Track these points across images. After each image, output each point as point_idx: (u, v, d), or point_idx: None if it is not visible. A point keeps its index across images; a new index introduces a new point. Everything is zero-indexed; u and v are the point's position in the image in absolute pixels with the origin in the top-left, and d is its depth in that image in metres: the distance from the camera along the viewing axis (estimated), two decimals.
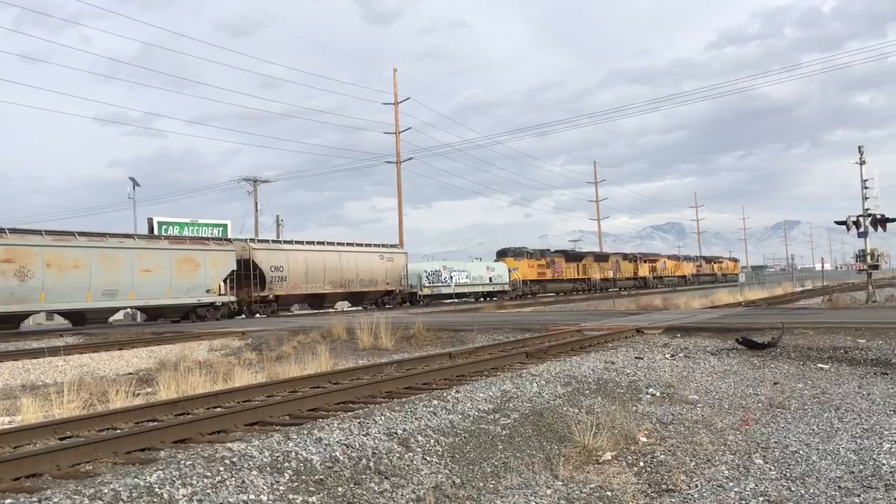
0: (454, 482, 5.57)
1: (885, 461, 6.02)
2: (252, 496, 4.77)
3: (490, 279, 48.06)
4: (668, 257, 78.05)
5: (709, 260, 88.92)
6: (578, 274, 58.25)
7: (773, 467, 6.05)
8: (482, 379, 9.76)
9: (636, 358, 12.10)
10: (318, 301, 37.00)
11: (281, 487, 4.98)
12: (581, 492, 5.53)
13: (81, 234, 26.90)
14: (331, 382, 10.41)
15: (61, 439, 6.88)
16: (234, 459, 5.28)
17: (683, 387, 9.81)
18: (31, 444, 6.73)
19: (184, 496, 4.63)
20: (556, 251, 59.60)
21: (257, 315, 32.82)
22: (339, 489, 5.15)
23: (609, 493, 5.50)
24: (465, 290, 45.63)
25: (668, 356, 12.53)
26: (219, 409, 8.36)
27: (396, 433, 6.35)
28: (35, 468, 5.54)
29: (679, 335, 15.27)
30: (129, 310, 31.63)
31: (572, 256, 60.01)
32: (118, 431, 7.07)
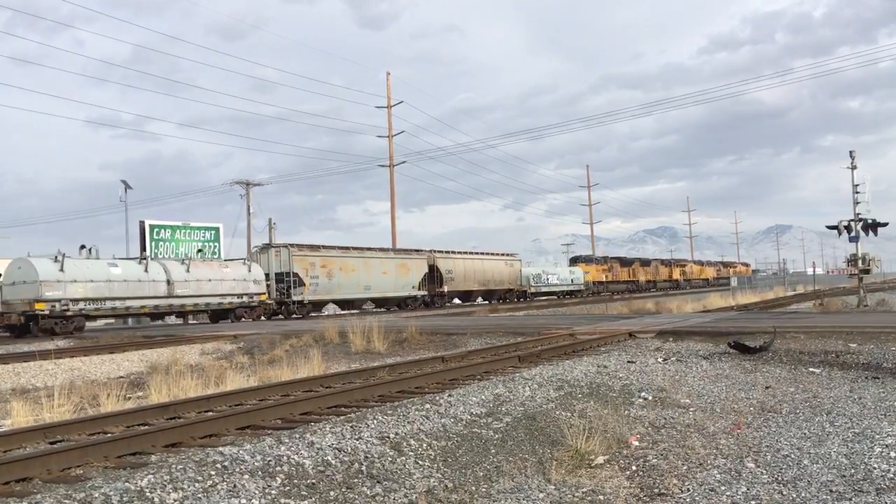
0: (446, 486, 5.56)
1: (876, 465, 6.03)
2: (244, 500, 4.75)
3: (571, 280, 61.16)
4: (694, 262, 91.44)
5: (726, 265, 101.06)
6: (629, 277, 70.98)
7: (764, 471, 6.06)
8: (475, 383, 9.76)
9: (629, 362, 12.12)
10: (467, 296, 48.49)
11: (273, 492, 4.97)
12: (573, 496, 5.52)
13: (354, 248, 40.56)
14: (323, 386, 10.39)
15: (52, 443, 6.85)
16: (226, 463, 5.26)
17: (676, 391, 9.83)
18: (22, 448, 6.70)
19: (175, 500, 4.60)
20: (613, 258, 73.03)
21: (437, 304, 44.27)
22: (331, 493, 5.13)
23: (601, 497, 5.50)
24: (556, 288, 58.80)
25: (660, 360, 12.55)
26: (210, 413, 8.33)
27: (389, 437, 6.34)
28: (25, 472, 5.51)
29: (671, 339, 15.30)
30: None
31: (625, 262, 73.43)
32: (109, 435, 7.04)
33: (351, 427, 6.54)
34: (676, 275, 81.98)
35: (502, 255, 54.61)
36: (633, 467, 6.34)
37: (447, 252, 47.92)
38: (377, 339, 17.03)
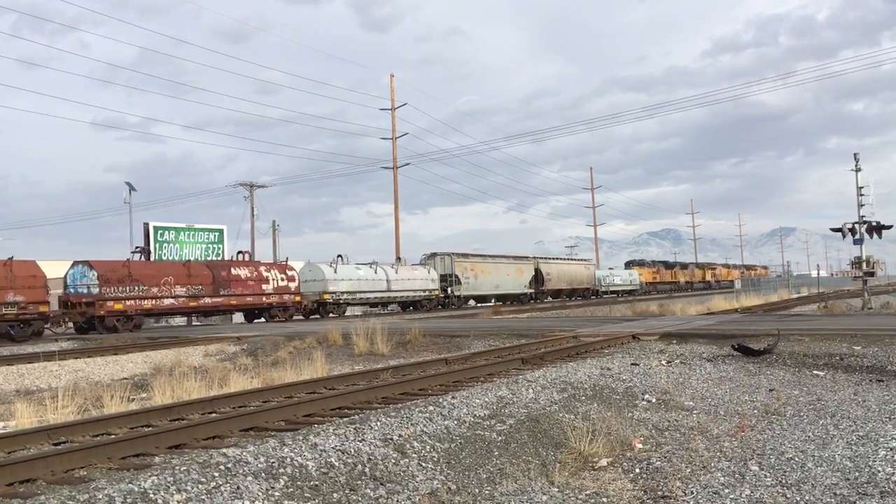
0: (450, 488, 5.56)
1: (880, 468, 6.02)
2: (247, 502, 4.76)
3: (630, 281, 71.89)
4: (722, 265, 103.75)
5: (748, 267, 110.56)
6: (671, 278, 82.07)
7: (768, 474, 6.05)
8: (478, 385, 9.76)
9: (632, 364, 12.11)
10: (558, 293, 58.60)
11: (276, 493, 4.97)
12: (577, 498, 5.52)
13: (489, 255, 52.59)
14: (326, 388, 10.39)
15: (55, 444, 6.86)
16: (229, 465, 5.27)
17: (679, 393, 9.81)
18: (25, 450, 6.71)
19: (178, 502, 4.61)
20: (659, 261, 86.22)
21: (539, 301, 53.93)
22: (335, 495, 5.13)
23: (605, 500, 5.49)
24: (619, 288, 69.10)
25: (664, 362, 12.54)
26: (214, 415, 8.34)
27: (392, 439, 6.34)
28: (29, 473, 5.52)
29: (675, 341, 15.27)
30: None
31: (668, 265, 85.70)
32: (113, 437, 7.05)
33: (354, 429, 6.54)
34: (708, 276, 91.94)
35: (581, 260, 70.58)
36: (637, 470, 6.33)
37: (546, 258, 61.83)
38: (380, 341, 17.04)
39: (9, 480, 5.38)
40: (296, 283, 35.40)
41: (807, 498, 5.40)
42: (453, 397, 8.33)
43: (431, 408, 7.65)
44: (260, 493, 4.91)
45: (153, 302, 29.00)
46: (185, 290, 30.03)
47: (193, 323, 35.53)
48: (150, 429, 7.46)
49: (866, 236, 29.08)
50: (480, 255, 52.01)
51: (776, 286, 61.12)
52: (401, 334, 18.46)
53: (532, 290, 54.11)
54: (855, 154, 29.76)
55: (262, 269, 34.42)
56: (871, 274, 30.95)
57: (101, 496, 4.53)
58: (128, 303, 28.02)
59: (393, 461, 5.88)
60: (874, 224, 28.89)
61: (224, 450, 5.79)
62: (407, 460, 5.96)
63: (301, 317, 35.67)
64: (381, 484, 5.44)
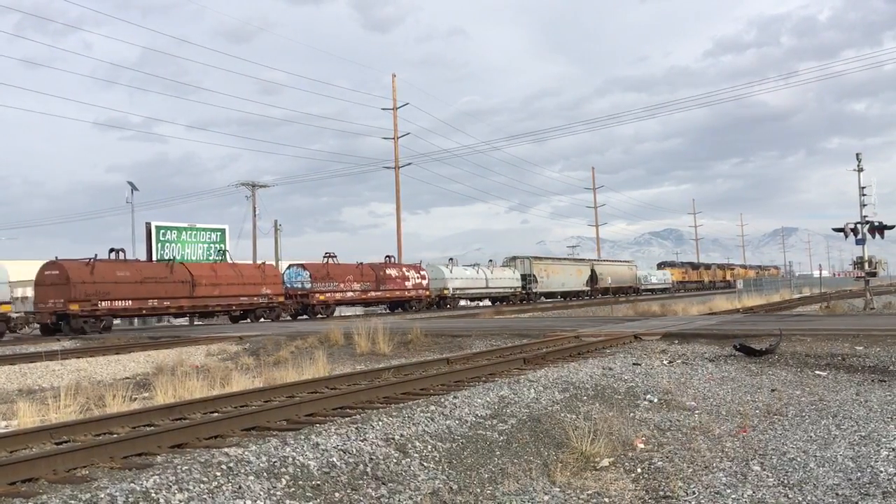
0: (451, 488, 5.56)
1: (882, 468, 6.01)
2: (249, 501, 4.76)
3: (664, 280, 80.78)
4: (740, 266, 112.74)
5: (762, 268, 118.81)
6: (697, 277, 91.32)
7: (770, 474, 6.04)
8: (480, 384, 9.75)
9: (634, 364, 12.10)
10: (607, 290, 62.44)
11: (278, 493, 4.97)
12: (578, 498, 5.52)
13: (556, 258, 65.65)
14: (328, 388, 10.39)
15: (57, 444, 6.87)
16: (231, 464, 5.27)
17: (681, 393, 9.81)
18: (28, 449, 6.72)
19: (180, 501, 4.61)
20: (686, 262, 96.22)
21: (593, 297, 62.09)
22: (336, 494, 5.14)
23: (606, 500, 5.49)
24: (656, 286, 77.87)
25: (665, 362, 12.53)
26: (216, 414, 8.35)
27: (394, 439, 6.34)
28: (31, 473, 5.53)
29: (677, 342, 15.26)
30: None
31: (694, 266, 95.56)
32: (115, 436, 7.06)
33: (356, 428, 6.54)
34: (728, 276, 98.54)
35: (625, 261, 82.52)
36: (639, 470, 6.33)
37: (598, 260, 72.14)
38: (382, 340, 17.04)
39: (11, 479, 5.38)
40: (426, 281, 45.00)
41: (809, 498, 5.39)
42: (455, 397, 8.33)
43: (433, 407, 7.65)
44: (262, 493, 4.91)
45: (341, 295, 38.81)
46: (359, 286, 40.13)
47: (195, 323, 35.62)
48: (152, 428, 7.46)
49: (868, 236, 29.03)
50: (550, 259, 64.90)
51: (778, 286, 61.21)
52: (402, 334, 18.46)
53: (588, 288, 63.54)
54: (857, 154, 29.73)
55: (404, 269, 44.28)
56: (874, 274, 30.91)
57: (103, 495, 4.53)
58: (327, 295, 37.85)
59: (395, 461, 5.88)
60: (876, 224, 28.84)
61: (226, 449, 5.79)
62: (408, 460, 5.96)
63: (424, 307, 44.02)
64: (383, 483, 5.44)
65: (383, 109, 51.52)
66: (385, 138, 51.11)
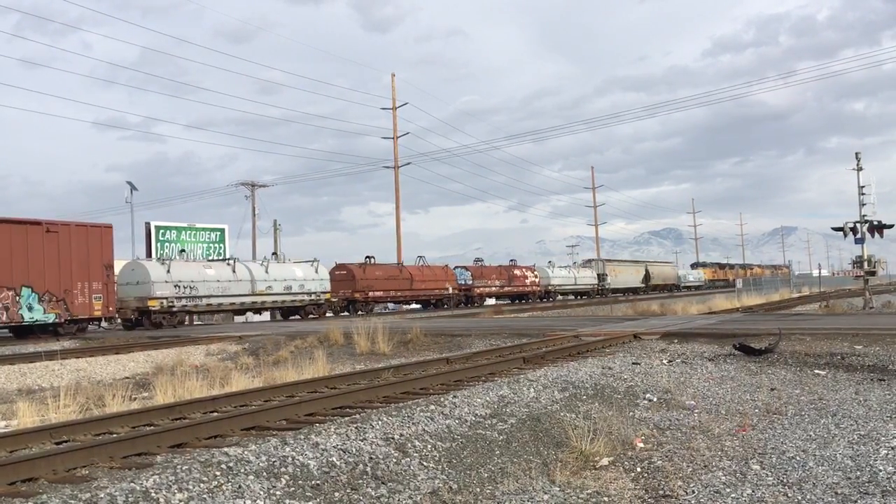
0: (451, 487, 5.56)
1: (881, 467, 6.02)
2: (249, 501, 4.76)
3: (698, 278, 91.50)
4: (758, 266, 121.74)
5: (776, 267, 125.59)
6: (724, 276, 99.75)
7: (769, 473, 6.05)
8: (479, 384, 9.76)
9: (633, 363, 12.10)
10: (655, 287, 75.30)
11: (277, 492, 4.98)
12: (578, 497, 5.52)
13: (621, 260, 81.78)
14: (328, 387, 10.40)
15: (57, 443, 6.87)
16: (231, 464, 5.27)
17: (680, 392, 9.81)
18: (27, 449, 6.72)
19: (180, 501, 4.62)
20: (715, 263, 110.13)
21: (647, 293, 70.75)
22: (336, 494, 5.14)
23: (606, 499, 5.50)
24: (692, 283, 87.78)
25: (665, 362, 12.54)
26: (215, 414, 8.35)
27: (393, 438, 6.34)
28: (31, 472, 5.53)
29: (676, 341, 15.27)
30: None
31: (721, 266, 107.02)
32: (114, 436, 7.06)
33: (356, 428, 6.54)
34: (748, 275, 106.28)
35: (667, 262, 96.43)
36: (638, 469, 6.33)
37: (651, 262, 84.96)
38: (382, 340, 17.04)
39: (11, 479, 5.39)
40: (538, 279, 57.20)
41: (808, 497, 5.40)
42: (455, 396, 8.33)
43: (433, 407, 7.65)
44: (261, 492, 4.92)
45: (488, 290, 51.14)
46: (499, 282, 52.53)
47: (194, 322, 35.70)
48: (152, 428, 7.47)
49: (868, 235, 29.05)
50: (617, 261, 78.34)
51: (777, 285, 61.49)
52: (402, 333, 18.46)
53: (644, 285, 74.29)
54: (857, 153, 29.75)
55: (525, 270, 56.72)
56: (873, 273, 30.94)
57: (102, 495, 4.54)
58: (482, 290, 50.57)
59: (394, 460, 5.89)
60: (875, 223, 28.86)
61: (226, 449, 5.79)
62: (408, 459, 5.97)
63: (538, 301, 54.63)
64: (383, 483, 5.44)
65: (382, 109, 51.55)
66: (384, 138, 51.14)
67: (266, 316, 38.97)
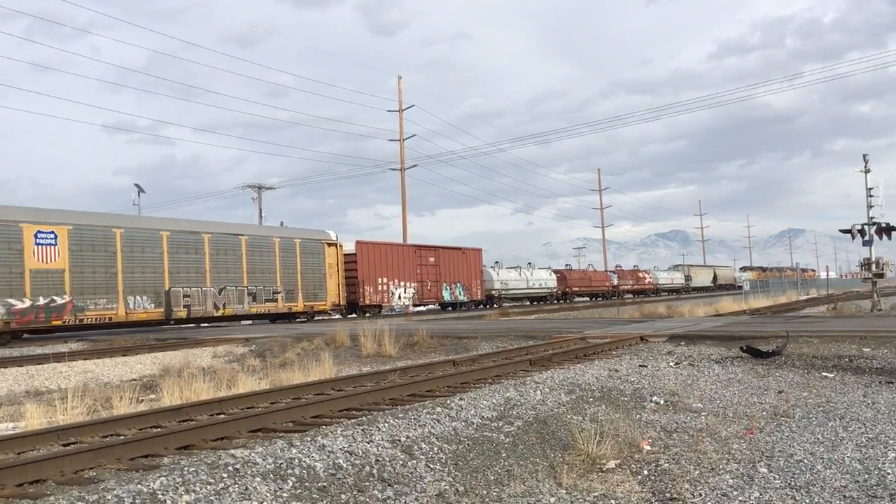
0: (457, 490, 5.56)
1: (890, 470, 5.99)
2: (255, 503, 4.77)
3: (745, 280, 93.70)
4: (789, 269, 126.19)
5: (803, 270, 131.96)
6: (765, 278, 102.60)
7: (777, 476, 6.03)
8: (486, 386, 9.75)
9: (640, 366, 12.08)
10: (720, 287, 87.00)
11: (284, 494, 4.98)
12: (584, 500, 5.51)
13: (695, 265, 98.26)
14: (334, 389, 10.41)
15: (65, 445, 6.90)
16: (238, 466, 5.28)
17: (687, 395, 9.79)
18: (35, 450, 6.75)
19: (187, 503, 4.62)
20: (758, 266, 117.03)
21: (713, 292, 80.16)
22: (343, 496, 5.14)
23: (613, 502, 5.49)
24: (743, 283, 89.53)
25: (672, 364, 12.50)
26: (222, 416, 8.37)
27: (400, 440, 6.34)
28: (38, 474, 5.55)
29: (683, 343, 15.24)
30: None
31: (764, 269, 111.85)
32: (122, 438, 7.08)
33: (362, 430, 6.55)
34: (783, 277, 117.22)
35: (727, 266, 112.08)
36: (645, 472, 6.32)
37: (716, 266, 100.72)
38: (388, 342, 17.05)
39: (18, 481, 5.41)
40: (649, 279, 74.29)
41: (816, 500, 5.38)
42: (461, 398, 8.33)
43: (439, 409, 7.65)
44: (268, 494, 4.92)
45: (580, 288, 61.87)
46: (586, 283, 63.13)
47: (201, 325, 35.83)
48: (159, 430, 7.49)
49: (875, 238, 28.92)
50: (697, 265, 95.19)
51: (785, 288, 61.26)
52: (408, 336, 18.47)
53: (712, 285, 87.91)
54: (864, 155, 29.61)
55: (609, 273, 69.71)
56: (881, 275, 30.76)
57: (110, 497, 4.55)
58: (577, 287, 61.48)
59: (401, 463, 5.89)
60: (883, 225, 28.73)
61: (232, 451, 5.80)
62: (415, 462, 5.97)
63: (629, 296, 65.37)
64: (389, 485, 5.44)
65: (389, 111, 51.63)
66: (391, 140, 51.21)
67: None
